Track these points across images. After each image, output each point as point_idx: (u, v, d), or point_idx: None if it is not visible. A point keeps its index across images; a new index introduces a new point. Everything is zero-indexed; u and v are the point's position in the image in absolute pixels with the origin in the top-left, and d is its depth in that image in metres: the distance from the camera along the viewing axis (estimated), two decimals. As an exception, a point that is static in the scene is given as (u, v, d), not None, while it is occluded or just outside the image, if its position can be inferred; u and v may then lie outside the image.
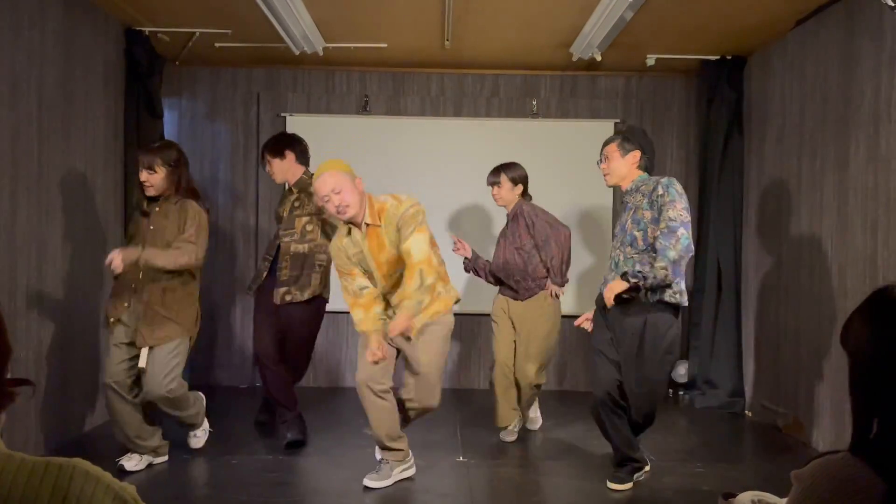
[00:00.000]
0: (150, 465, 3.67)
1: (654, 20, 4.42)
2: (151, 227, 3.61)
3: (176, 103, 5.65)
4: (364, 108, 5.73)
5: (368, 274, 3.42)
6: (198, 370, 5.37)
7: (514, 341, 4.24)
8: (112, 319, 3.60)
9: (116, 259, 3.34)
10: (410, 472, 3.59)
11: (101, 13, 4.44)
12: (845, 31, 3.98)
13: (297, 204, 4.12)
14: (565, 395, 5.50)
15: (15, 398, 1.06)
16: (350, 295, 3.42)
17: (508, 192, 4.22)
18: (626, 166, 3.44)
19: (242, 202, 5.75)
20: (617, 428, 3.44)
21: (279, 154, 4.18)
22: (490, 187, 4.29)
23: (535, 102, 5.75)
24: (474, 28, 4.73)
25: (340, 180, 3.25)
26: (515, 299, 4.24)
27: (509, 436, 4.29)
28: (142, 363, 3.53)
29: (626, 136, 3.49)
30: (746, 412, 5.09)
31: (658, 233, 3.24)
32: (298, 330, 4.07)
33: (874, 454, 1.16)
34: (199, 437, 3.97)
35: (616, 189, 5.71)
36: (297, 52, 4.89)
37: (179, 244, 3.52)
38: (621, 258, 3.39)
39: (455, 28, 4.70)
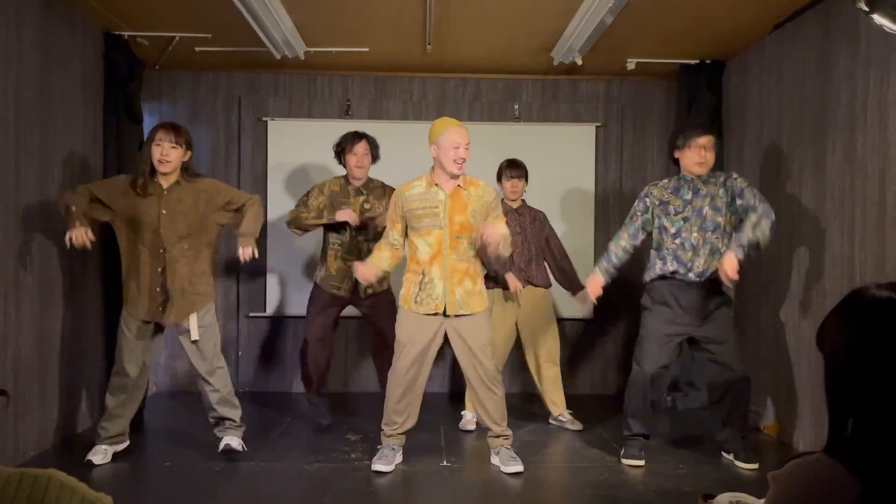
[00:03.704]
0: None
1: (634, 24, 4.45)
2: (164, 212, 3.71)
3: (156, 108, 5.61)
4: (346, 113, 5.72)
5: (432, 229, 3.67)
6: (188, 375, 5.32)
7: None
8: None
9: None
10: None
11: (80, 17, 4.40)
12: (821, 35, 4.03)
13: (366, 207, 4.44)
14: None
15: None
16: (385, 243, 3.80)
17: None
18: None
19: (224, 207, 5.72)
20: None
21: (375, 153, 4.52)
22: (515, 181, 4.63)
23: (516, 106, 5.77)
24: (456, 32, 4.74)
25: (469, 140, 3.68)
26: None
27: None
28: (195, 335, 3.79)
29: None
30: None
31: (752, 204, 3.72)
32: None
33: (849, 455, 1.17)
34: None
35: (598, 192, 5.78)
36: (278, 57, 4.87)
37: (246, 202, 3.89)
38: (701, 241, 3.78)
39: (437, 32, 4.71)
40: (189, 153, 3.82)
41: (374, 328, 4.61)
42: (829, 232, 3.94)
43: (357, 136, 4.45)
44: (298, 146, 5.67)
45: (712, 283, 3.79)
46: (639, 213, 3.97)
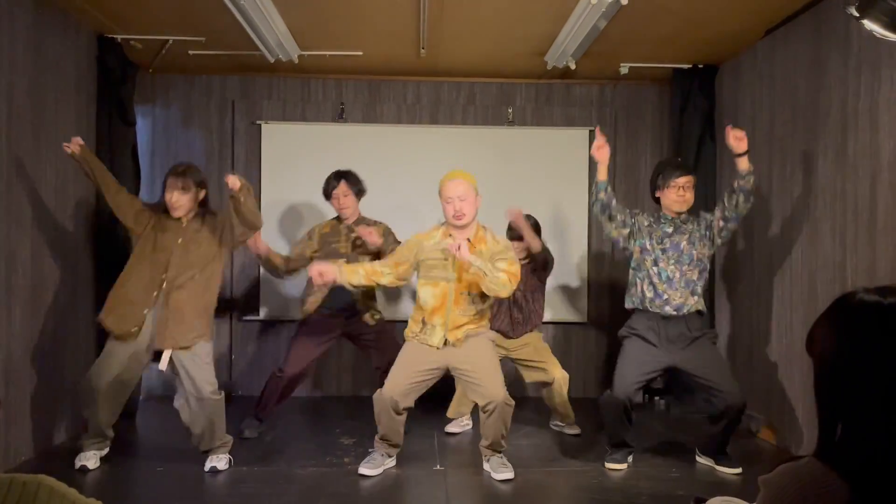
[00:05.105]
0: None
1: (628, 29, 4.47)
2: (180, 241, 3.77)
3: (149, 111, 5.60)
4: (340, 116, 5.72)
5: (441, 281, 3.68)
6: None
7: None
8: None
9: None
10: (392, 463, 3.91)
11: (73, 20, 4.39)
12: (813, 40, 4.06)
13: (358, 242, 4.40)
14: (539, 402, 5.51)
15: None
16: (375, 264, 3.78)
17: None
18: None
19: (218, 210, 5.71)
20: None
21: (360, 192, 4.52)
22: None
23: (510, 110, 5.78)
24: (450, 36, 4.75)
25: (468, 190, 3.66)
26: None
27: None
28: (163, 365, 3.69)
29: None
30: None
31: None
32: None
33: (839, 458, 1.18)
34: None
35: (592, 196, 5.77)
36: (271, 60, 4.86)
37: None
38: (678, 275, 3.85)
39: (430, 36, 4.72)
40: (204, 191, 3.88)
41: (378, 358, 4.46)
42: (821, 235, 3.96)
43: (336, 178, 4.46)
44: (292, 150, 5.66)
45: (692, 319, 3.83)
46: (629, 212, 3.98)
